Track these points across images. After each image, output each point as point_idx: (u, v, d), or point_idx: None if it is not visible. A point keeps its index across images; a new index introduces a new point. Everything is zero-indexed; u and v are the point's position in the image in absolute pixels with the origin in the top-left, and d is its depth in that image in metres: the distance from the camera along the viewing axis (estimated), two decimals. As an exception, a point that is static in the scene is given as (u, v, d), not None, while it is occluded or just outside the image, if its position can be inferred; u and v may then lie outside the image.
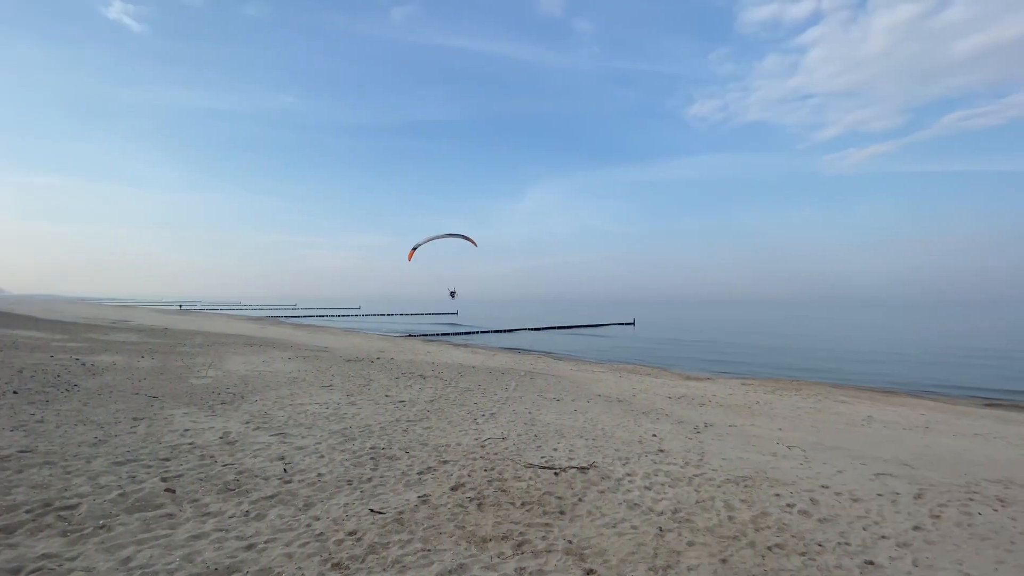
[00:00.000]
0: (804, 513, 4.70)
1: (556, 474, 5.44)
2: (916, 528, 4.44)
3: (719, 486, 5.35)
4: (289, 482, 4.83)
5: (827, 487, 5.49)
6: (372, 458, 5.73)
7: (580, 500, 4.74)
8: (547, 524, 4.18)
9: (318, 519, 4.06)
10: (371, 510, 4.27)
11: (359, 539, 3.75)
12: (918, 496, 5.28)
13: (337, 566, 3.36)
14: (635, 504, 4.70)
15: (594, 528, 4.15)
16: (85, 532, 3.58)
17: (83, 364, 11.63)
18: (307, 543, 3.64)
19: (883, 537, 4.23)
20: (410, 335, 40.56)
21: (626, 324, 61.46)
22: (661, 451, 6.64)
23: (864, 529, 4.38)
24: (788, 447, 7.31)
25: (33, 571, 3.05)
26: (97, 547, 3.38)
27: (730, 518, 4.49)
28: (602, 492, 4.98)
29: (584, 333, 48.43)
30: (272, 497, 4.44)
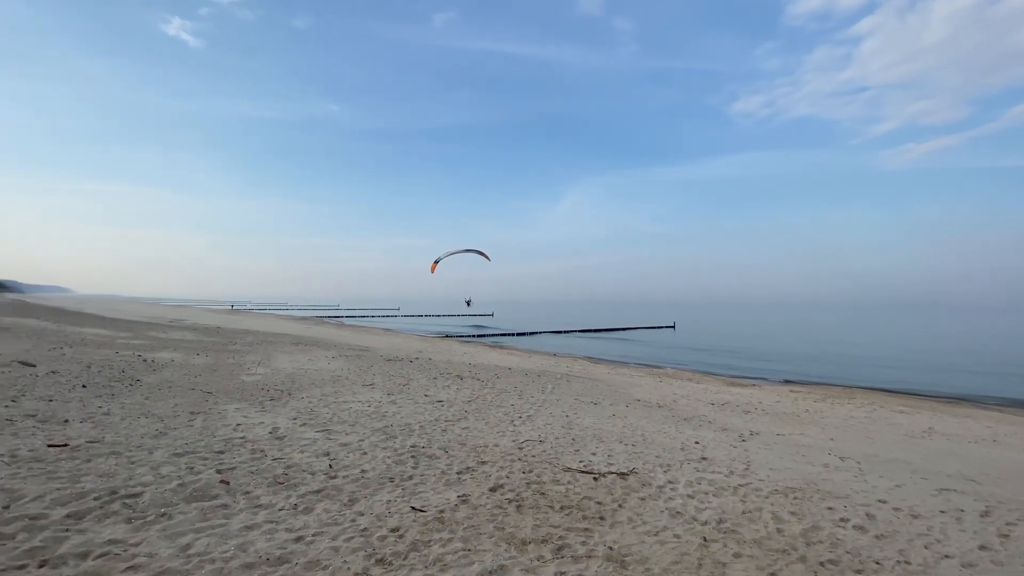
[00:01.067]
0: (859, 528, 4.47)
1: (595, 479, 5.38)
2: (983, 548, 4.15)
3: (766, 497, 5.16)
4: (334, 477, 4.97)
5: (884, 502, 5.21)
6: (413, 456, 5.83)
7: (620, 506, 4.66)
8: (587, 529, 4.14)
9: (362, 515, 4.16)
10: (412, 508, 4.34)
11: (401, 536, 3.82)
12: (985, 513, 4.93)
13: (381, 562, 3.43)
14: (678, 512, 4.59)
15: (635, 535, 4.08)
16: (148, 519, 3.79)
17: (144, 360, 12.37)
18: (352, 538, 3.74)
19: (946, 556, 3.97)
20: (447, 336, 41.08)
21: (666, 327, 60.20)
22: (704, 459, 6.46)
23: (926, 547, 4.13)
24: (841, 458, 6.97)
25: (100, 556, 3.24)
26: (159, 534, 3.58)
27: (779, 531, 4.32)
28: (643, 499, 4.89)
29: (622, 336, 47.74)
30: (319, 492, 4.59)
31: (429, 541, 3.77)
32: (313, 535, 3.74)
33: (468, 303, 23.99)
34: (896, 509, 5.02)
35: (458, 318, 79.65)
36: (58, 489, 4.13)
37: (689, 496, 5.04)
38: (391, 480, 5.02)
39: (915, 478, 6.17)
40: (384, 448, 6.09)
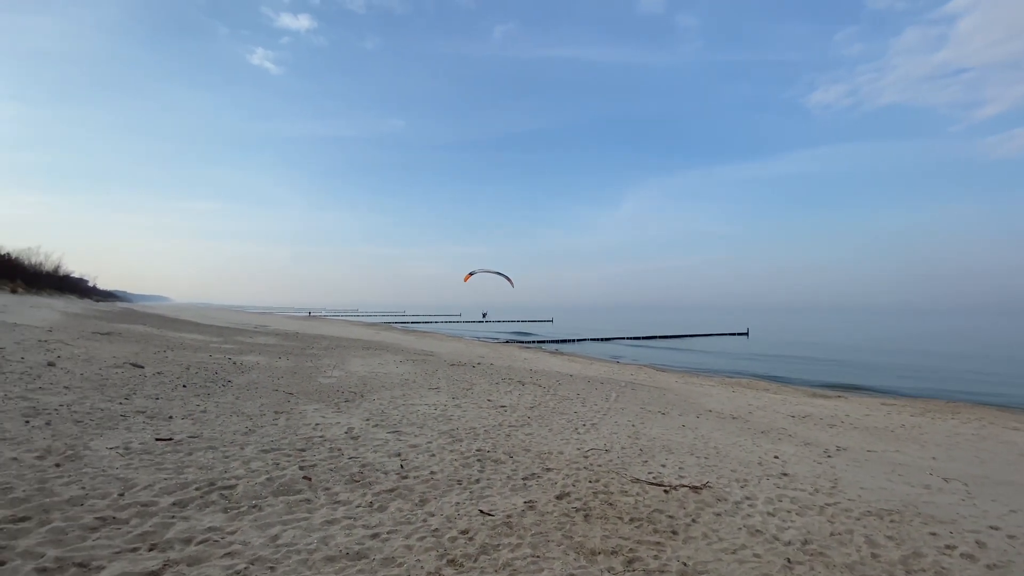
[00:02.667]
0: (968, 557, 4.02)
1: (666, 491, 5.20)
2: None
3: (858, 519, 4.75)
4: (406, 478, 5.14)
5: (997, 528, 4.65)
6: (479, 460, 5.91)
7: (694, 521, 4.47)
8: (659, 543, 4.00)
9: (433, 515, 4.27)
10: (481, 511, 4.40)
11: (471, 538, 3.88)
12: None
13: (452, 562, 3.51)
14: (757, 530, 4.33)
15: (711, 552, 3.89)
16: (241, 510, 4.10)
17: (234, 363, 13.43)
18: (424, 537, 3.85)
19: (1082, 597, 3.48)
20: (508, 341, 41.38)
21: (738, 334, 57.22)
22: (785, 475, 6.06)
23: (1051, 583, 3.64)
24: (945, 479, 6.30)
25: (201, 542, 3.53)
26: (251, 524, 3.86)
27: (874, 556, 3.97)
28: (718, 515, 4.65)
29: (691, 343, 45.86)
30: (391, 491, 4.76)
31: (498, 545, 3.80)
32: (388, 533, 3.89)
33: (484, 315, 28.34)
34: (1011, 537, 4.47)
35: (516, 324, 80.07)
36: (165, 479, 4.55)
37: (769, 514, 4.74)
38: (459, 483, 5.12)
39: (1036, 505, 5.46)
40: (451, 451, 6.22)
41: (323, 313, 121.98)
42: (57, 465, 4.61)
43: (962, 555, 4.06)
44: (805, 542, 4.15)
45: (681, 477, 5.74)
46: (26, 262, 50.49)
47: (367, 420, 7.62)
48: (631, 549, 3.87)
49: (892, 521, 4.74)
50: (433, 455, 6.00)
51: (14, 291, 37.43)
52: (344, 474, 5.11)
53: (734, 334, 57.66)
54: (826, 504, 5.10)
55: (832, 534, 4.35)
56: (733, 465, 6.38)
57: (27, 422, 5.77)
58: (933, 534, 4.47)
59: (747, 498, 5.14)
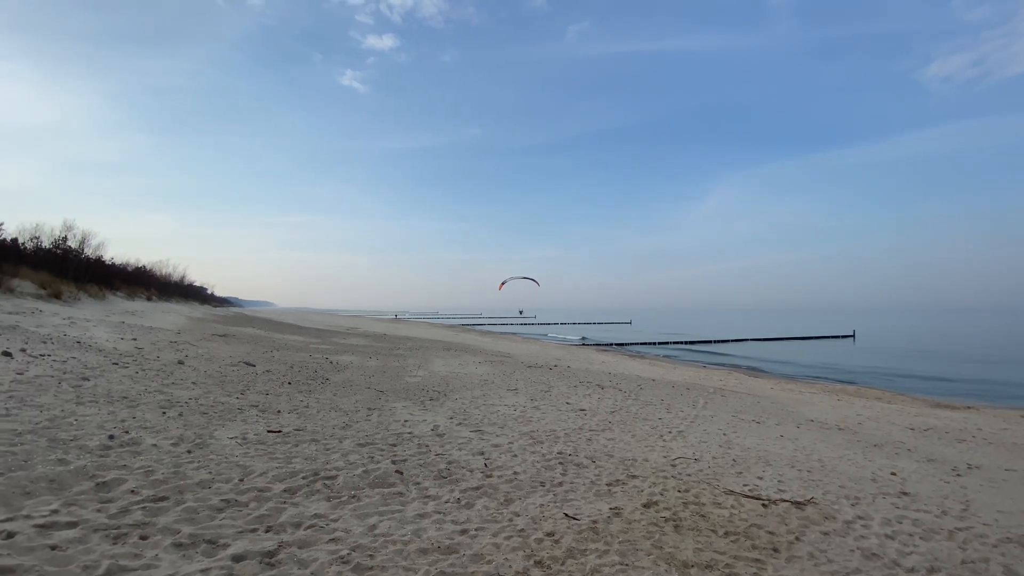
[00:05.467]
0: None
1: (764, 506, 4.86)
2: None
3: (995, 545, 4.16)
4: (490, 476, 5.24)
5: None
6: (560, 463, 5.89)
7: (798, 539, 4.14)
8: (758, 560, 3.75)
9: (518, 515, 4.31)
10: (566, 515, 4.37)
11: (557, 541, 3.87)
12: None
13: (539, 564, 3.52)
14: (874, 554, 3.92)
15: (819, 574, 3.58)
16: (342, 500, 4.39)
17: (331, 362, 14.46)
18: (511, 537, 3.90)
19: None
20: (584, 344, 40.87)
21: (843, 337, 52.29)
22: (905, 494, 5.43)
23: None
24: (1114, 510, 5.32)
25: (309, 527, 3.83)
26: (351, 513, 4.13)
27: (1021, 593, 3.44)
28: (826, 534, 4.27)
29: (786, 348, 42.46)
30: (477, 489, 4.87)
31: (585, 550, 3.75)
32: (476, 529, 3.98)
33: (521, 312, 34.22)
34: None
35: (592, 327, 78.85)
36: (276, 467, 4.99)
37: (888, 536, 4.27)
38: (542, 484, 5.13)
39: None
40: (532, 452, 6.25)
41: (407, 316, 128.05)
42: (189, 452, 5.22)
43: None
44: (932, 570, 3.70)
45: (781, 491, 5.33)
46: (158, 273, 57.95)
47: (451, 419, 7.87)
48: (727, 564, 3.66)
49: (1043, 553, 4.08)
50: (515, 456, 6.07)
51: (149, 298, 43.12)
52: (432, 470, 5.32)
53: (838, 336, 52.75)
54: (956, 528, 4.51)
55: (964, 562, 3.84)
56: (841, 481, 5.83)
57: (163, 413, 6.60)
58: (1100, 573, 3.80)
59: (860, 517, 4.67)
